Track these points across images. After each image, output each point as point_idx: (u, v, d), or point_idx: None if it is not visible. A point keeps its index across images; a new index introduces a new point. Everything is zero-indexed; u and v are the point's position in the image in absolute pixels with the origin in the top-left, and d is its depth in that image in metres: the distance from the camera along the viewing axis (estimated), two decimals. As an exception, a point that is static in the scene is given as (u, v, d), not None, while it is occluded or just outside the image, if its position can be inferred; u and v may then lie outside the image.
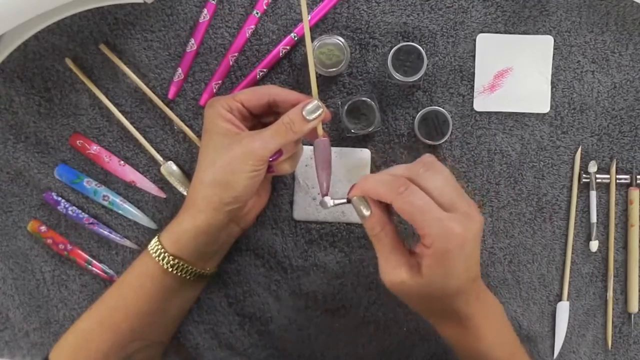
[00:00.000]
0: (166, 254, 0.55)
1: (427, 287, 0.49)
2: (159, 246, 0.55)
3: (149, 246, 0.56)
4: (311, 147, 0.60)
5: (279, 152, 0.55)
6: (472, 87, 0.63)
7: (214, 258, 0.60)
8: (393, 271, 0.49)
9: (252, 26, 0.62)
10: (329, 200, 0.53)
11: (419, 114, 0.62)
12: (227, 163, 0.53)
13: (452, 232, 0.47)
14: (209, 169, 0.54)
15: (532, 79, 0.63)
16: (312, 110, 0.53)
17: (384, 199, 0.49)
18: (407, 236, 0.63)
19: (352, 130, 0.61)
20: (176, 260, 0.55)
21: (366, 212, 0.51)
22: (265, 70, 0.63)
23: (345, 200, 0.53)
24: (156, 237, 0.56)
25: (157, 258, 0.55)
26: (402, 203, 0.47)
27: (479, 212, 0.50)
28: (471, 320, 0.51)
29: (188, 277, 0.56)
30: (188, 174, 0.64)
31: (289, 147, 0.55)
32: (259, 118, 0.58)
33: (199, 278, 0.58)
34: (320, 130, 0.54)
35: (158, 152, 0.64)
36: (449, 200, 0.48)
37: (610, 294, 0.64)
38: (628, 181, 0.64)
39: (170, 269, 0.55)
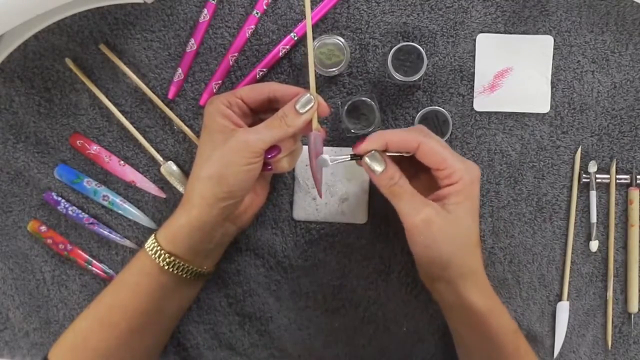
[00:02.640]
0: (162, 252, 0.55)
1: (454, 226, 0.51)
2: (155, 244, 0.55)
3: (146, 244, 0.56)
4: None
5: (277, 149, 0.54)
6: (472, 87, 0.63)
7: (210, 257, 0.60)
8: (421, 209, 0.51)
9: (252, 26, 0.62)
10: (327, 157, 0.53)
11: (419, 114, 0.62)
12: (222, 157, 0.53)
13: (472, 166, 0.53)
14: (205, 164, 0.54)
15: (532, 79, 0.63)
16: (305, 103, 0.53)
17: (409, 144, 0.52)
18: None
19: (352, 130, 0.61)
20: (172, 258, 0.55)
21: (380, 167, 0.53)
22: (265, 70, 0.63)
23: (347, 157, 0.53)
24: (153, 235, 0.56)
25: (153, 256, 0.55)
26: (429, 143, 0.52)
27: None
28: (487, 284, 0.54)
29: (185, 276, 0.56)
30: (188, 174, 0.64)
31: (287, 143, 0.55)
32: (259, 115, 0.58)
33: (196, 277, 0.58)
34: (315, 124, 0.54)
35: (158, 152, 0.64)
36: (453, 151, 0.53)
37: (610, 294, 0.64)
38: (628, 181, 0.64)
39: (166, 267, 0.55)
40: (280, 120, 0.53)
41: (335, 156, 0.54)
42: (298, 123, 0.53)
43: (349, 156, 0.54)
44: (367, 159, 0.53)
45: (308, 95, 0.54)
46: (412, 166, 0.55)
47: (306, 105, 0.53)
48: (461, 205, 0.51)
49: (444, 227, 0.51)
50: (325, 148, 0.62)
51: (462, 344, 0.57)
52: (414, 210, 0.52)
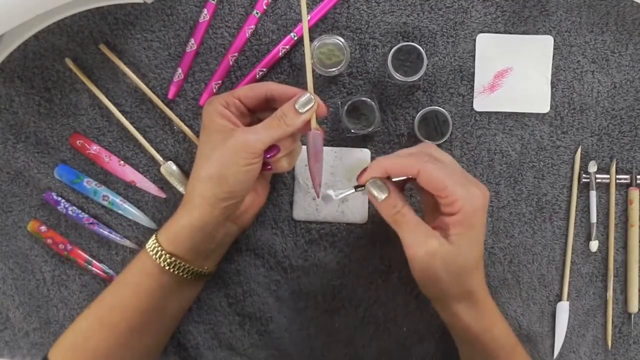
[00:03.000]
0: (163, 252, 0.55)
1: (456, 257, 0.50)
2: (156, 244, 0.55)
3: (147, 244, 0.56)
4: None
5: (276, 149, 0.55)
6: (472, 87, 0.63)
7: (211, 257, 0.60)
8: (424, 241, 0.50)
9: (252, 26, 0.62)
10: (332, 193, 0.53)
11: (419, 114, 0.62)
12: (221, 157, 0.53)
13: (476, 194, 0.50)
14: (204, 165, 0.54)
15: (532, 79, 0.63)
16: (304, 102, 0.53)
17: (409, 171, 0.51)
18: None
19: (352, 130, 0.61)
20: (173, 259, 0.55)
21: (382, 195, 0.52)
22: (265, 70, 0.63)
23: (352, 190, 0.53)
24: (154, 235, 0.56)
25: (154, 256, 0.55)
26: (429, 170, 0.50)
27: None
28: (485, 301, 0.53)
29: (186, 276, 0.56)
30: (188, 173, 0.64)
31: (286, 143, 0.55)
32: (257, 115, 0.58)
33: (197, 277, 0.58)
34: (314, 124, 0.54)
35: (158, 152, 0.64)
36: (461, 172, 0.52)
37: (610, 294, 0.64)
38: (628, 181, 0.64)
39: (167, 267, 0.55)
40: (280, 120, 0.53)
41: (339, 190, 0.53)
42: (297, 123, 0.53)
43: (353, 188, 0.53)
44: (369, 186, 0.52)
45: (308, 95, 0.54)
46: None
47: (306, 105, 0.53)
48: (463, 235, 0.50)
49: (446, 259, 0.50)
50: (325, 148, 0.62)
51: (462, 354, 0.58)
52: (416, 241, 0.51)
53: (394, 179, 0.53)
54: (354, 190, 0.53)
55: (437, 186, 0.50)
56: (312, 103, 0.54)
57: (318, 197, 0.56)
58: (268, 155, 0.54)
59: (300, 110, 0.53)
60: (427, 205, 0.56)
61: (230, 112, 0.55)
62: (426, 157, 0.51)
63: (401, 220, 0.52)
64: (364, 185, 0.53)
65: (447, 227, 0.50)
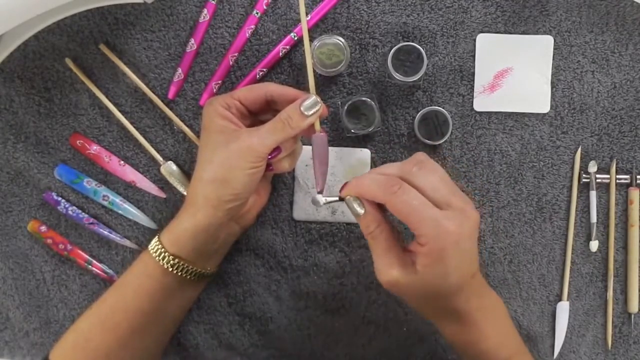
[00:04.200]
0: (166, 254, 0.55)
1: (423, 286, 0.49)
2: (159, 246, 0.55)
3: (149, 246, 0.56)
4: (311, 147, 0.60)
5: (277, 150, 0.55)
6: (472, 87, 0.63)
7: (214, 258, 0.60)
8: (387, 270, 0.49)
9: (252, 26, 0.62)
10: (320, 198, 0.53)
11: (419, 114, 0.62)
12: (225, 160, 0.53)
13: (447, 231, 0.47)
14: (207, 167, 0.54)
15: (532, 79, 0.63)
16: (311, 105, 0.53)
17: (378, 199, 0.49)
18: (403, 232, 0.63)
19: (352, 130, 0.61)
20: (176, 260, 0.55)
21: (360, 211, 0.51)
22: (265, 70, 0.63)
23: (337, 198, 0.53)
24: (156, 236, 0.56)
25: (157, 258, 0.55)
26: (395, 203, 0.48)
27: (474, 208, 0.50)
28: (472, 317, 0.51)
29: (188, 277, 0.56)
30: (188, 173, 0.64)
31: (287, 144, 0.55)
32: (257, 116, 0.58)
33: (199, 278, 0.58)
34: (317, 126, 0.54)
35: (158, 152, 0.64)
36: (443, 197, 0.48)
37: (610, 294, 0.64)
38: (628, 181, 0.64)
39: (170, 269, 0.55)
40: (284, 122, 0.53)
41: (328, 197, 0.53)
42: (303, 125, 0.53)
43: (338, 198, 0.53)
44: (347, 201, 0.52)
45: (314, 97, 0.53)
46: None
47: (312, 108, 0.53)
48: (431, 267, 0.48)
49: (412, 287, 0.49)
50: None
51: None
52: (383, 266, 0.50)
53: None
54: (339, 199, 0.53)
55: (404, 219, 0.48)
56: (318, 106, 0.53)
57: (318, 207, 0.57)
58: (270, 156, 0.54)
59: (306, 113, 0.53)
60: None
61: (231, 114, 0.55)
62: (397, 187, 0.48)
63: (372, 244, 0.51)
64: None
65: (416, 255, 0.49)
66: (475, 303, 0.51)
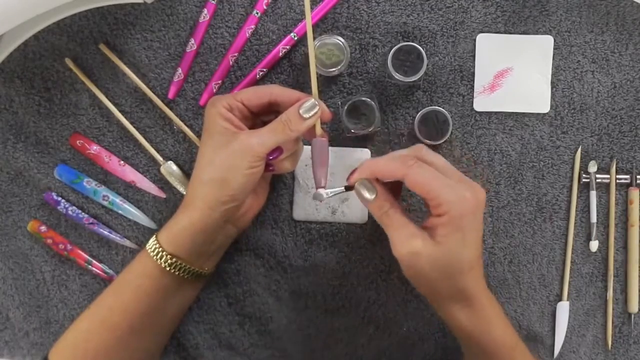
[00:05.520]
0: (164, 253, 0.55)
1: (442, 257, 0.50)
2: (157, 245, 0.55)
3: (147, 245, 0.56)
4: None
5: (279, 150, 0.55)
6: (472, 87, 0.63)
7: (211, 258, 0.60)
8: (408, 241, 0.50)
9: (252, 26, 0.62)
10: (323, 192, 0.53)
11: (419, 114, 0.62)
12: (225, 160, 0.53)
13: (465, 198, 0.49)
14: (207, 167, 0.54)
15: (532, 79, 0.63)
16: (309, 108, 0.53)
17: (395, 174, 0.51)
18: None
19: (352, 130, 0.61)
20: (174, 260, 0.55)
21: (371, 195, 0.52)
22: (265, 70, 0.63)
23: (342, 189, 0.53)
24: (154, 236, 0.56)
25: (155, 257, 0.55)
26: (414, 174, 0.49)
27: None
28: (482, 302, 0.52)
29: (186, 277, 0.56)
30: (188, 174, 0.64)
31: (288, 145, 0.55)
32: (260, 117, 0.58)
33: (197, 278, 0.58)
34: (318, 130, 0.54)
35: (158, 152, 0.64)
36: (454, 173, 0.52)
37: (610, 294, 0.64)
38: (628, 181, 0.64)
39: (168, 268, 0.55)
40: (284, 124, 0.53)
41: (330, 189, 0.53)
42: (301, 128, 0.53)
43: (344, 188, 0.54)
44: (357, 188, 0.53)
45: (312, 100, 0.54)
46: None
47: (310, 111, 0.53)
48: (450, 237, 0.50)
49: (431, 259, 0.50)
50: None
51: (466, 356, 0.57)
52: (401, 241, 0.51)
53: (386, 181, 0.53)
54: (344, 189, 0.54)
55: (422, 189, 0.50)
56: (316, 109, 0.53)
57: (321, 202, 0.56)
58: (271, 157, 0.54)
59: (304, 116, 0.53)
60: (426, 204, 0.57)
61: (234, 115, 0.55)
62: (412, 161, 0.50)
63: (387, 222, 0.52)
64: (354, 186, 0.53)
65: (435, 227, 0.50)
66: (482, 286, 0.53)
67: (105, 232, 0.64)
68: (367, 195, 0.52)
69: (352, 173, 0.53)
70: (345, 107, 0.60)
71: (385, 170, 0.52)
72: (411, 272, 0.52)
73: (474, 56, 0.63)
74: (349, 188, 0.54)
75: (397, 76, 0.60)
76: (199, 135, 0.63)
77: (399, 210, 0.52)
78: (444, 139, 0.62)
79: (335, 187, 0.54)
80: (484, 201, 0.51)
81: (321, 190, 0.53)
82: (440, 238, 0.50)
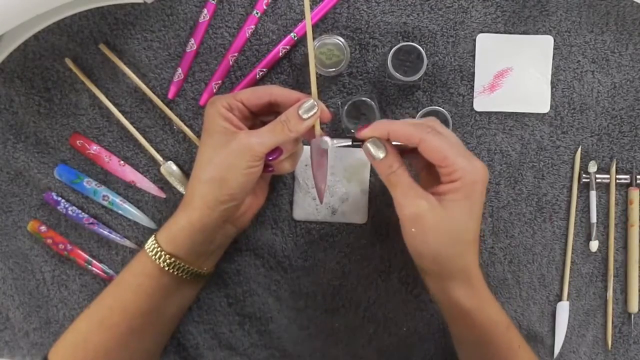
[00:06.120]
0: (163, 253, 0.55)
1: (447, 222, 0.50)
2: (156, 245, 0.55)
3: (146, 245, 0.56)
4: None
5: (278, 151, 0.55)
6: (472, 87, 0.63)
7: (210, 258, 0.60)
8: (414, 201, 0.50)
9: (252, 26, 0.62)
10: (329, 140, 0.53)
11: (419, 114, 0.62)
12: (224, 159, 0.53)
13: (478, 167, 0.51)
14: (206, 167, 0.54)
15: (532, 79, 0.63)
16: (308, 109, 0.53)
17: (411, 139, 0.51)
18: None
19: (352, 130, 0.61)
20: (172, 259, 0.55)
21: (381, 154, 0.52)
22: (265, 70, 0.63)
23: (349, 142, 0.53)
24: (153, 235, 0.56)
25: (154, 257, 0.55)
26: (431, 140, 0.50)
27: None
28: (478, 278, 0.53)
29: (185, 277, 0.56)
30: (188, 174, 0.64)
31: (288, 145, 0.55)
32: (260, 117, 0.58)
33: (196, 278, 0.58)
34: (318, 130, 0.54)
35: (158, 152, 0.64)
36: (463, 148, 0.52)
37: (610, 294, 0.64)
38: (628, 181, 0.64)
39: (167, 268, 0.55)
40: (283, 125, 0.53)
41: (337, 140, 0.53)
42: (300, 128, 0.53)
43: (351, 141, 0.53)
44: (368, 145, 0.52)
45: (311, 101, 0.53)
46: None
47: (309, 111, 0.53)
48: (458, 203, 0.50)
49: (435, 222, 0.50)
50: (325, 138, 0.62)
51: (456, 339, 0.57)
52: (407, 202, 0.51)
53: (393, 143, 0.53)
54: (351, 142, 0.53)
55: (438, 155, 0.50)
56: (315, 109, 0.53)
57: (321, 203, 0.56)
58: (270, 158, 0.54)
59: (303, 116, 0.53)
60: (423, 179, 0.57)
61: (234, 115, 0.55)
62: (428, 129, 0.51)
63: (395, 181, 0.52)
64: (362, 141, 0.53)
65: (444, 193, 0.50)
66: (478, 265, 0.53)
67: (105, 232, 0.64)
68: (379, 153, 0.52)
69: (361, 128, 0.53)
70: (345, 107, 0.60)
71: (401, 133, 0.51)
72: (412, 235, 0.51)
73: (474, 56, 0.63)
74: (355, 143, 0.53)
75: (397, 76, 0.60)
76: (198, 135, 0.63)
77: (407, 171, 0.52)
78: (444, 139, 0.62)
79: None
80: (487, 178, 0.52)
81: (326, 138, 0.53)
82: (448, 203, 0.50)
